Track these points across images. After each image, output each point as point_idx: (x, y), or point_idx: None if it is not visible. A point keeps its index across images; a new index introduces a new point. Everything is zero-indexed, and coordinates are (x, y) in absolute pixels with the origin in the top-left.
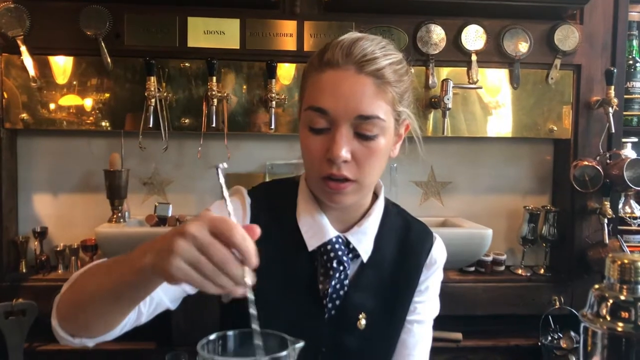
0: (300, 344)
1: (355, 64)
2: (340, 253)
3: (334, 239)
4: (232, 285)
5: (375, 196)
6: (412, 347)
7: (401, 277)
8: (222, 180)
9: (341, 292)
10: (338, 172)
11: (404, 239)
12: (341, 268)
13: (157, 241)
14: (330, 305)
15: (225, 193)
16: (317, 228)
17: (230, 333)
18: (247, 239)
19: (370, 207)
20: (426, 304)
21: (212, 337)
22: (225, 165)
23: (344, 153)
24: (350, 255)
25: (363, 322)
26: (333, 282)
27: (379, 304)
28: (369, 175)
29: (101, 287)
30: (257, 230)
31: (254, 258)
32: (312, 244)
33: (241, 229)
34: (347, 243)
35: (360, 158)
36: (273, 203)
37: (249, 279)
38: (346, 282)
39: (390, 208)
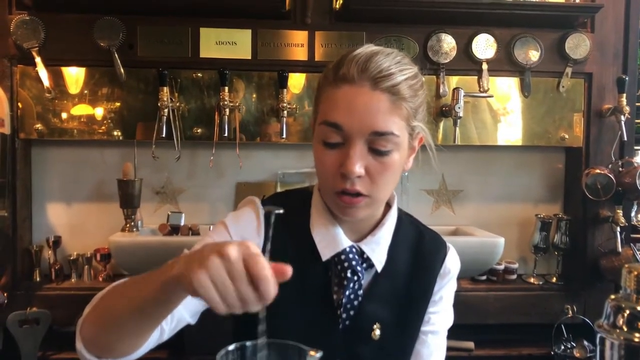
0: (319, 355)
1: (370, 80)
2: (354, 263)
3: (347, 249)
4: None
5: (389, 206)
6: (427, 357)
7: (415, 287)
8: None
9: (355, 302)
10: (351, 187)
11: (418, 249)
12: (355, 278)
13: (189, 256)
14: (344, 315)
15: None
16: (330, 238)
17: (248, 344)
18: (272, 284)
19: (383, 217)
20: (440, 315)
21: (231, 347)
22: (281, 210)
23: (358, 169)
24: (364, 265)
25: (377, 332)
26: (347, 292)
27: (393, 314)
28: (382, 190)
29: (127, 304)
30: (288, 271)
31: (270, 299)
32: (325, 254)
33: (270, 272)
34: (361, 253)
35: (374, 173)
36: (286, 213)
37: (262, 312)
38: (360, 292)
39: (404, 218)
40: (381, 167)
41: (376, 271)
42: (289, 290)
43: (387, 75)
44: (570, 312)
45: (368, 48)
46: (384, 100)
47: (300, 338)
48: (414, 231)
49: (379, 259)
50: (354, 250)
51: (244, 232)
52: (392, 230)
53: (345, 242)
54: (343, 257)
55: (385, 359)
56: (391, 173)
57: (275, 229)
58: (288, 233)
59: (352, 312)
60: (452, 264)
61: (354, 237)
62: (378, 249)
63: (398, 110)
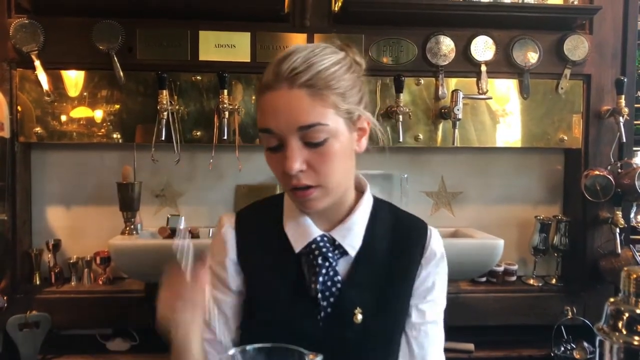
0: (319, 358)
1: (286, 81)
2: (325, 250)
3: (318, 238)
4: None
5: (361, 193)
6: (429, 347)
7: (396, 270)
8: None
9: (334, 289)
10: (298, 182)
11: (396, 233)
12: (327, 264)
13: None
14: (325, 303)
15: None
16: (301, 230)
17: (249, 347)
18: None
19: (355, 204)
20: (436, 302)
21: (232, 352)
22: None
23: (298, 165)
24: (337, 252)
25: (359, 317)
26: (321, 279)
27: (374, 298)
28: (331, 178)
29: None
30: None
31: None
32: (298, 246)
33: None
34: (332, 241)
35: (315, 165)
36: (261, 217)
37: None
38: (337, 278)
39: (381, 204)
40: (321, 158)
41: (353, 257)
42: (270, 288)
43: (300, 72)
44: (570, 313)
45: (288, 49)
46: (302, 96)
47: (286, 331)
48: (392, 216)
49: (352, 245)
50: (325, 238)
51: (215, 260)
52: (367, 216)
53: (315, 232)
54: (314, 246)
55: (369, 342)
56: (333, 160)
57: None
58: (263, 234)
59: (332, 299)
60: (436, 246)
61: (326, 227)
62: (349, 235)
63: (321, 101)
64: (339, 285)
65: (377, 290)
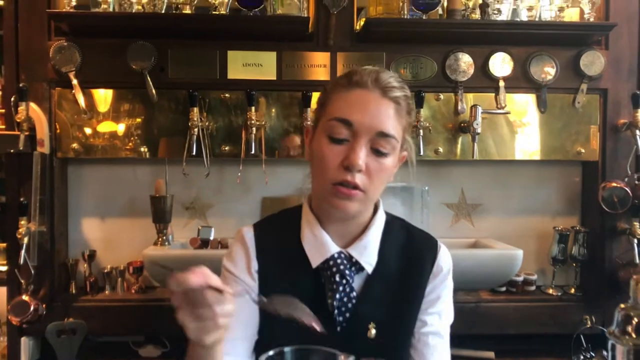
0: (351, 359)
1: (381, 89)
2: (342, 267)
3: (336, 255)
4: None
5: (374, 212)
6: (429, 357)
7: (408, 285)
8: None
9: (349, 305)
10: (352, 179)
11: (408, 249)
12: (344, 281)
13: None
14: (340, 318)
15: None
16: (319, 245)
17: (287, 349)
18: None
19: (370, 221)
20: (440, 315)
21: (271, 353)
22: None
23: (362, 162)
24: (354, 269)
25: (373, 331)
26: (338, 296)
27: (388, 313)
28: (376, 189)
29: None
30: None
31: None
32: (315, 261)
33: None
34: (349, 257)
35: (372, 171)
36: (278, 230)
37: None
38: (353, 294)
39: (393, 221)
40: (379, 167)
41: (368, 273)
42: None
43: (393, 87)
44: (589, 322)
45: (375, 67)
46: (391, 107)
47: (300, 344)
48: (404, 233)
49: (369, 261)
50: (342, 255)
51: (238, 270)
52: (380, 233)
53: (333, 248)
54: (331, 262)
55: (382, 356)
56: (385, 175)
57: None
58: (281, 247)
59: (347, 314)
60: (444, 262)
61: (342, 242)
62: (366, 252)
63: (400, 119)
64: (354, 301)
65: (390, 306)
